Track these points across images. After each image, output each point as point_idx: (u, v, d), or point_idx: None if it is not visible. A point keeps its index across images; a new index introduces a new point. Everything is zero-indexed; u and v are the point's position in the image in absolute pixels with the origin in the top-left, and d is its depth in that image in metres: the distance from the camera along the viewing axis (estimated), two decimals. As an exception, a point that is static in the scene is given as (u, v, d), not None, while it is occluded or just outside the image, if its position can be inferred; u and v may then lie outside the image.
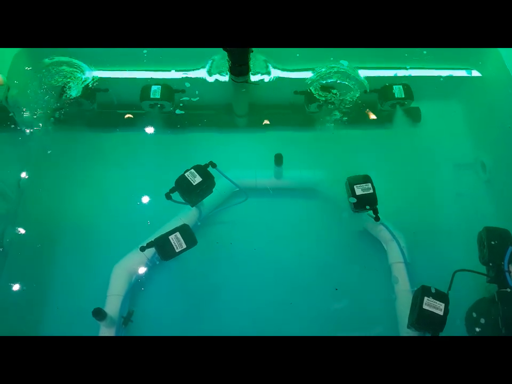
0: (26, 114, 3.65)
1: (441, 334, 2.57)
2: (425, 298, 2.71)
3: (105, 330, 2.78)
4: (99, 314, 2.65)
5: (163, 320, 2.95)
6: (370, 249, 3.24)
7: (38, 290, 3.03)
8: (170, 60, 4.11)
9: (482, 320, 2.78)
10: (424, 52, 4.13)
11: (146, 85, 3.82)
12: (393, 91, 3.83)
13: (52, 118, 3.70)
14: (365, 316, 2.98)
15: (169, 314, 2.98)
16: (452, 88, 4.14)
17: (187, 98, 3.85)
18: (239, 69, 3.86)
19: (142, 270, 3.03)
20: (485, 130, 3.90)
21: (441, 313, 2.65)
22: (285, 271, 3.15)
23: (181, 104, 3.84)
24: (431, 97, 4.02)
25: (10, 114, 3.59)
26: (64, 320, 2.93)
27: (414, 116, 3.88)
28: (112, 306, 2.85)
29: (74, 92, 3.78)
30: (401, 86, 3.86)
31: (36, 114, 3.68)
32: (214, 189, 3.05)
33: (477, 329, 2.79)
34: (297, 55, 4.06)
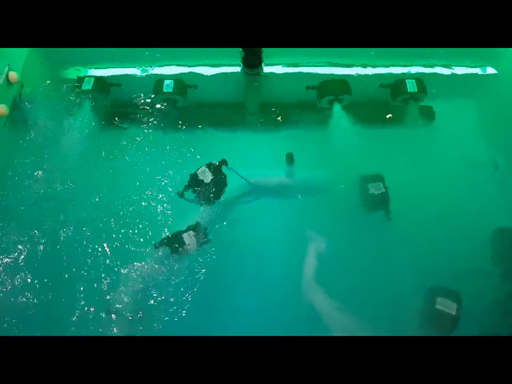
0: (39, 110, 3.67)
1: (455, 334, 2.56)
2: (438, 298, 2.71)
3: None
4: None
5: (173, 319, 2.96)
6: (381, 246, 3.22)
7: (46, 289, 3.05)
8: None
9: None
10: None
11: (159, 79, 3.84)
12: (407, 85, 3.80)
13: (65, 113, 3.72)
14: (374, 316, 2.96)
15: (179, 313, 2.99)
16: (466, 86, 4.08)
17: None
18: (252, 59, 3.85)
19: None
20: (499, 129, 3.84)
21: (453, 312, 2.66)
22: (296, 269, 3.15)
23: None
24: (444, 95, 3.96)
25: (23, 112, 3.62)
26: (72, 320, 2.95)
27: (428, 114, 3.84)
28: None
29: (87, 85, 3.80)
30: (414, 80, 3.82)
31: (49, 111, 3.69)
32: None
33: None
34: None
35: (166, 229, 3.09)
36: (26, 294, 2.89)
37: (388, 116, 3.86)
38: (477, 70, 4.16)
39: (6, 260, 2.98)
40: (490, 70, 4.13)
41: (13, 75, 3.52)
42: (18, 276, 2.94)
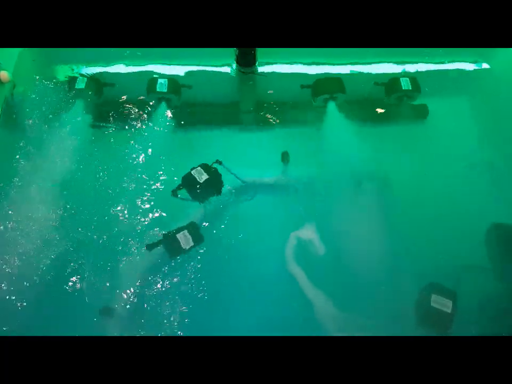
0: (32, 110, 3.63)
1: (454, 334, 2.57)
2: (433, 295, 2.72)
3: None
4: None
5: (169, 319, 2.96)
6: (379, 245, 3.20)
7: (46, 289, 3.03)
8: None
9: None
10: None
11: (152, 78, 3.79)
12: (401, 83, 3.81)
13: (58, 113, 3.68)
14: (372, 315, 2.93)
15: (175, 313, 2.98)
16: (459, 83, 4.10)
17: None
18: (247, 58, 3.83)
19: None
20: (493, 126, 3.85)
21: (449, 310, 2.66)
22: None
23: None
24: (438, 92, 3.98)
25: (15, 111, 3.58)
26: (72, 320, 2.94)
27: (421, 112, 3.86)
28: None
29: (80, 84, 3.76)
30: (408, 78, 3.84)
31: (41, 110, 3.65)
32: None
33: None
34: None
35: (160, 229, 3.08)
36: (26, 294, 2.88)
37: (378, 111, 3.88)
38: (470, 67, 4.19)
39: (6, 260, 2.97)
40: (484, 66, 4.17)
41: (5, 74, 3.48)
42: (18, 276, 2.93)
